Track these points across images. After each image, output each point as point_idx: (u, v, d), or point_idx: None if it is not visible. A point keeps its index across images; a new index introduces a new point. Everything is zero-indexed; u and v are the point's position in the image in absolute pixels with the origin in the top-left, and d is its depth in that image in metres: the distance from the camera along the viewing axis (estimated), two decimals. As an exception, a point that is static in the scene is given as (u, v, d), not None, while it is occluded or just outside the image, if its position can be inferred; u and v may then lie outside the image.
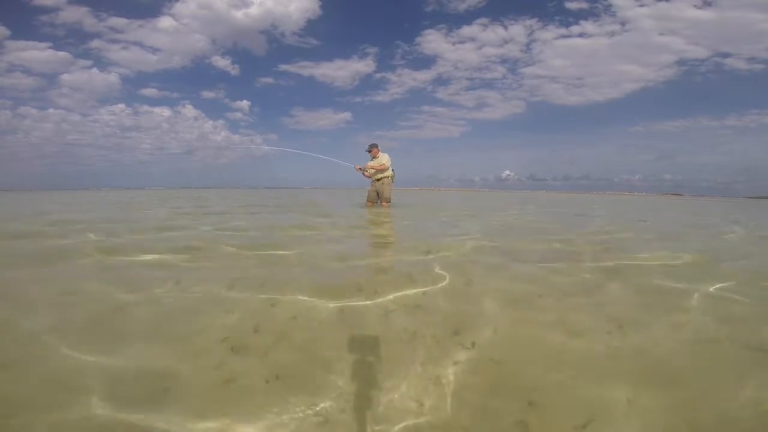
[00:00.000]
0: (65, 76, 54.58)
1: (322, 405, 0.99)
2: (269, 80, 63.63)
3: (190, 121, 64.12)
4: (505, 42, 54.93)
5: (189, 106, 63.86)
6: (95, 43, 52.76)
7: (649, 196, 46.66)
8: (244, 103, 62.05)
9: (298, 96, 70.07)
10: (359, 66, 61.38)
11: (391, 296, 1.80)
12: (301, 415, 0.95)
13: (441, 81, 61.78)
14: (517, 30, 54.30)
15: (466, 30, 55.01)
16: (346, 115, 65.44)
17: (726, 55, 50.34)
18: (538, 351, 1.32)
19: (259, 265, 2.58)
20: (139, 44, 54.40)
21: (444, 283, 2.05)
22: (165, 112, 62.60)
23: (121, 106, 60.32)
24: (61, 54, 51.63)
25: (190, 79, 65.21)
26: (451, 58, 59.10)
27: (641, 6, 50.08)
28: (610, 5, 50.75)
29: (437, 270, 2.34)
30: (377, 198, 8.01)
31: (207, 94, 65.53)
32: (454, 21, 60.47)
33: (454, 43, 57.22)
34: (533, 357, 1.27)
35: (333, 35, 69.09)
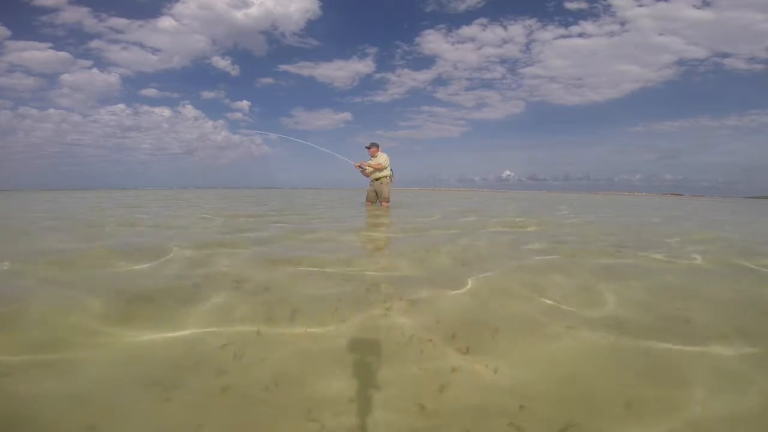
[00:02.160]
0: (65, 77, 54.41)
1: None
2: (269, 80, 63.51)
3: (190, 121, 64.03)
4: (505, 42, 54.81)
5: (189, 107, 63.75)
6: (95, 44, 52.63)
7: (652, 196, 46.36)
8: (244, 104, 61.88)
9: (298, 96, 69.99)
10: (359, 66, 61.28)
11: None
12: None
13: (440, 81, 61.69)
14: (517, 30, 54.18)
15: (466, 30, 54.90)
16: (346, 116, 65.33)
17: (725, 55, 50.21)
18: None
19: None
20: (139, 44, 54.27)
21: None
22: (165, 112, 62.44)
23: (122, 106, 60.16)
24: (62, 54, 51.47)
25: (190, 80, 65.14)
26: (451, 58, 59.02)
27: (640, 6, 49.96)
28: (610, 5, 50.66)
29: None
30: (376, 198, 7.93)
31: (207, 95, 65.37)
32: (453, 21, 60.30)
33: (453, 44, 57.13)
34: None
35: (333, 35, 69.04)
